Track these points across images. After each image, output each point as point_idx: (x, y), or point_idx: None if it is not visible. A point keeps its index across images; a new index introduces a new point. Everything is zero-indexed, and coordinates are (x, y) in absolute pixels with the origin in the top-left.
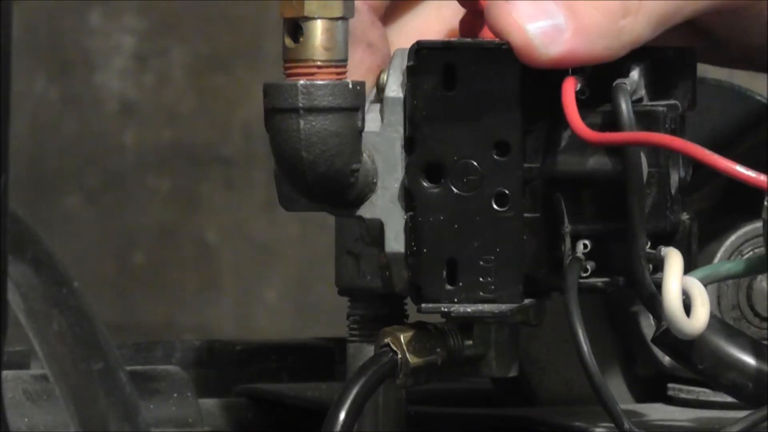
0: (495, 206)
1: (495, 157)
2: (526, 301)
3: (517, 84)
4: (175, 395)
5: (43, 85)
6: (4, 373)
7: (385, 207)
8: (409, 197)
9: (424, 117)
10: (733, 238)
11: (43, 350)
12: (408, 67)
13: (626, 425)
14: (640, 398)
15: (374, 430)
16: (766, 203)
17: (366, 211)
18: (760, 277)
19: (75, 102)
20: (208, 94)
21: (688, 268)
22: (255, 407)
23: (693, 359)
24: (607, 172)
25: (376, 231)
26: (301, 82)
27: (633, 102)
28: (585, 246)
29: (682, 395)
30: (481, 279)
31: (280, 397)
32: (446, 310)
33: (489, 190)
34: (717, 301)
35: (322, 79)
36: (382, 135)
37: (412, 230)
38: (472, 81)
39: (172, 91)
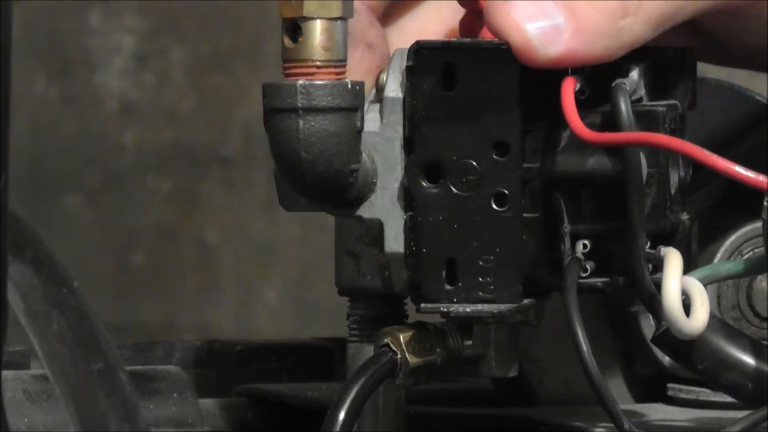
0: (494, 206)
1: (494, 157)
2: (526, 301)
3: (516, 84)
4: (175, 395)
5: (43, 85)
6: (4, 373)
7: (384, 207)
8: (408, 197)
9: (424, 117)
10: (733, 238)
11: (43, 350)
12: (407, 67)
13: (626, 425)
14: (640, 398)
15: (374, 430)
16: (766, 203)
17: (365, 211)
18: (760, 277)
19: (75, 102)
20: (208, 94)
21: (688, 268)
22: (255, 407)
23: (693, 359)
24: (606, 172)
25: (375, 231)
26: (300, 82)
27: (632, 102)
28: (584, 246)
29: (682, 395)
30: (480, 279)
31: (280, 397)
32: (445, 310)
33: (488, 190)
34: (717, 301)
35: (321, 79)
36: (382, 135)
37: (411, 230)
38: (471, 81)
39: (172, 91)
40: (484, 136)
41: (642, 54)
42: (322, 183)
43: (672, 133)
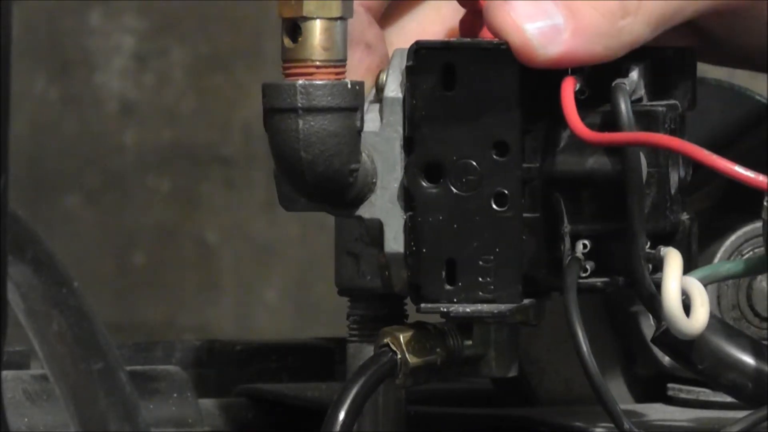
0: (494, 206)
1: (494, 157)
2: (526, 301)
3: (516, 84)
4: (175, 395)
5: (43, 85)
6: (4, 373)
7: (384, 207)
8: (408, 197)
9: (424, 117)
10: (733, 238)
11: (43, 350)
12: (407, 67)
13: (626, 425)
14: (640, 398)
15: (374, 430)
16: (766, 203)
17: (365, 211)
18: (760, 277)
19: (75, 102)
20: (208, 94)
21: (688, 268)
22: (255, 407)
23: (693, 359)
24: (606, 172)
25: (375, 231)
26: (300, 82)
27: (632, 102)
28: (584, 246)
29: (682, 395)
30: (480, 279)
31: (280, 397)
32: (445, 310)
33: (488, 190)
34: (717, 301)
35: (320, 79)
36: (381, 135)
37: (411, 230)
38: (471, 81)
39: (172, 91)
40: (484, 136)
41: (642, 54)
42: (322, 183)
43: (672, 133)
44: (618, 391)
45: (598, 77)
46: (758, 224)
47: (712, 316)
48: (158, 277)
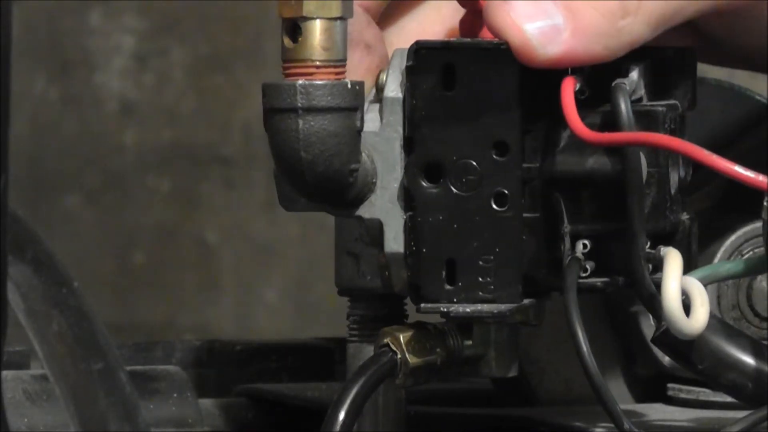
0: (494, 206)
1: (494, 157)
2: (526, 301)
3: (516, 84)
4: (175, 395)
5: (43, 85)
6: (4, 373)
7: (384, 207)
8: (408, 197)
9: (423, 117)
10: (733, 238)
11: (43, 350)
12: (407, 67)
13: (626, 425)
14: (640, 398)
15: (374, 430)
16: (766, 203)
17: (365, 211)
18: (760, 277)
19: (75, 102)
20: (208, 94)
21: (688, 268)
22: (255, 407)
23: (693, 359)
24: (606, 172)
25: (375, 231)
26: (300, 82)
27: (632, 102)
28: (584, 246)
29: (682, 395)
30: (480, 279)
31: (280, 397)
32: (445, 310)
33: (488, 190)
34: (717, 301)
35: (320, 79)
36: (381, 135)
37: (411, 230)
38: (471, 81)
39: (172, 91)
40: (484, 136)
41: (642, 54)
42: (322, 183)
43: (672, 133)
44: (618, 391)
45: (598, 77)
46: (758, 224)
47: (712, 316)
48: (158, 277)
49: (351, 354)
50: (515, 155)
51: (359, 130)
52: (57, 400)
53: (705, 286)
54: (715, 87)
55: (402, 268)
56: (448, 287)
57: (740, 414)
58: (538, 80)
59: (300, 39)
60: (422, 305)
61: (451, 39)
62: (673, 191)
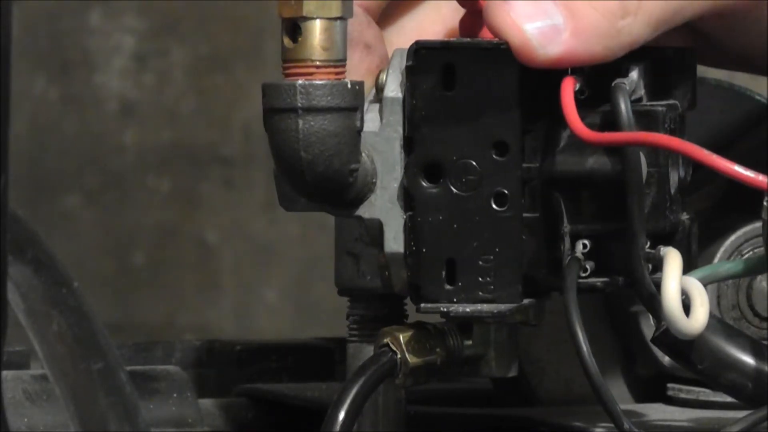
0: (494, 206)
1: (494, 157)
2: (526, 301)
3: (515, 84)
4: (175, 395)
5: (43, 85)
6: (4, 373)
7: (384, 207)
8: (408, 197)
9: (423, 117)
10: (733, 238)
11: (43, 350)
12: (407, 67)
13: (626, 425)
14: (640, 398)
15: (374, 430)
16: (766, 203)
17: (365, 211)
18: (760, 277)
19: (75, 102)
20: (208, 94)
21: (688, 268)
22: (255, 407)
23: (693, 359)
24: (606, 172)
25: (375, 231)
26: (300, 82)
27: (632, 102)
28: (584, 246)
29: (682, 395)
30: (480, 279)
31: (280, 397)
32: (445, 310)
33: (488, 190)
34: (717, 301)
35: (320, 79)
36: (381, 135)
37: (411, 230)
38: (471, 81)
39: (172, 91)
40: (484, 136)
41: (642, 54)
42: (322, 183)
43: (672, 133)
44: (618, 391)
45: (598, 77)
46: (758, 224)
47: (712, 316)
48: (158, 277)
49: (351, 354)
50: (515, 155)
51: (359, 130)
52: (57, 400)
53: (705, 286)
54: (715, 87)
55: (402, 268)
56: (448, 287)
57: (740, 414)
58: (538, 80)
59: (300, 39)
60: (422, 305)
61: (451, 39)
62: (673, 191)
